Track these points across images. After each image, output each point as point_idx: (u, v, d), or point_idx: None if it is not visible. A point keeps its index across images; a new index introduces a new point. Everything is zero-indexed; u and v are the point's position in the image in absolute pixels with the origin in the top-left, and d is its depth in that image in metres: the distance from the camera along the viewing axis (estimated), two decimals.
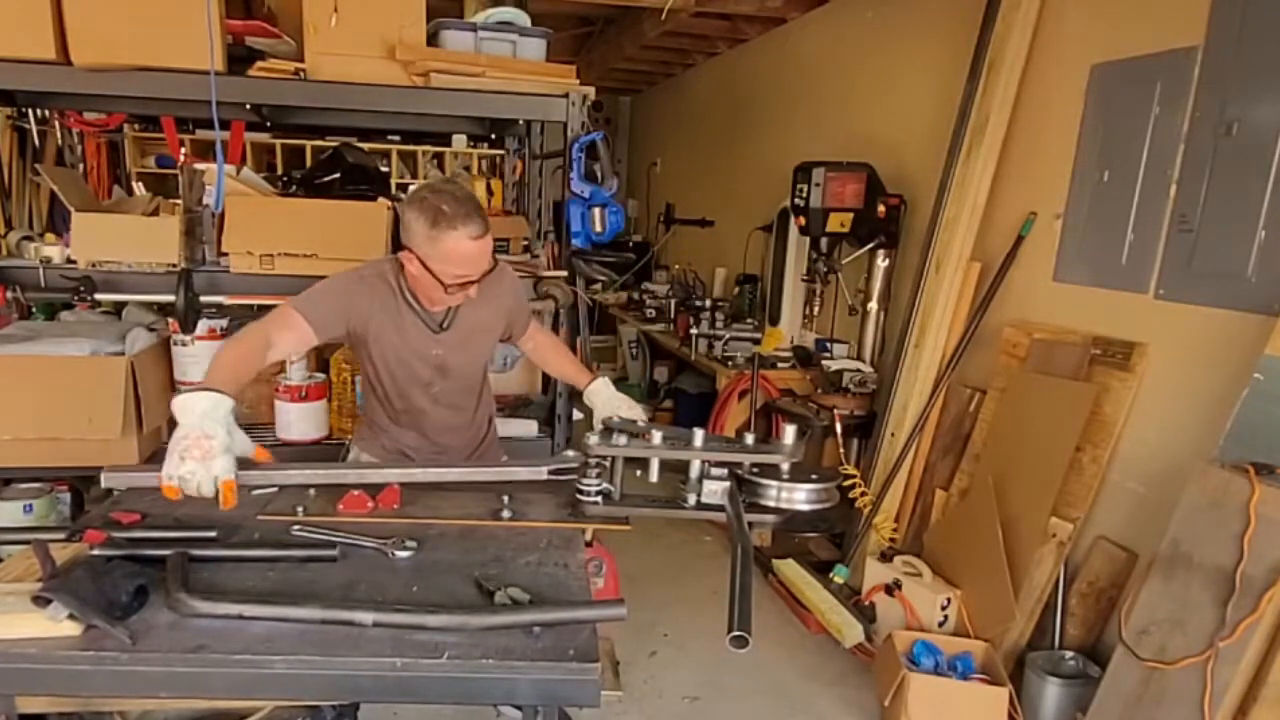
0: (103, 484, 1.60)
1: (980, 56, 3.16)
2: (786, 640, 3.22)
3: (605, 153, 2.75)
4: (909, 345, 3.39)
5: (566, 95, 2.73)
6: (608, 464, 1.71)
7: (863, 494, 3.44)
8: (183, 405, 1.47)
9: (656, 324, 5.74)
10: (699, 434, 1.66)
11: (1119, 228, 2.65)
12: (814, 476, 1.69)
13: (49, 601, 1.20)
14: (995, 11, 3.09)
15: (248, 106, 2.96)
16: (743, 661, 2.94)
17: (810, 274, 4.01)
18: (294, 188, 3.21)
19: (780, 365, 4.28)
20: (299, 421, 2.71)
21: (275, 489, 1.75)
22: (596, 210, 2.76)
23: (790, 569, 3.49)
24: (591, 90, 2.79)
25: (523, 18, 2.87)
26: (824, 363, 3.89)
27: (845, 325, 4.14)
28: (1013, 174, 3.14)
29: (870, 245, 3.67)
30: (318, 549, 1.50)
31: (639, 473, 1.72)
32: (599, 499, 1.68)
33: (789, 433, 1.68)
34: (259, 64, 2.57)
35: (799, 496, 1.66)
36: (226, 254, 2.54)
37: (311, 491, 1.76)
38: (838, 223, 3.63)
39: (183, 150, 5.10)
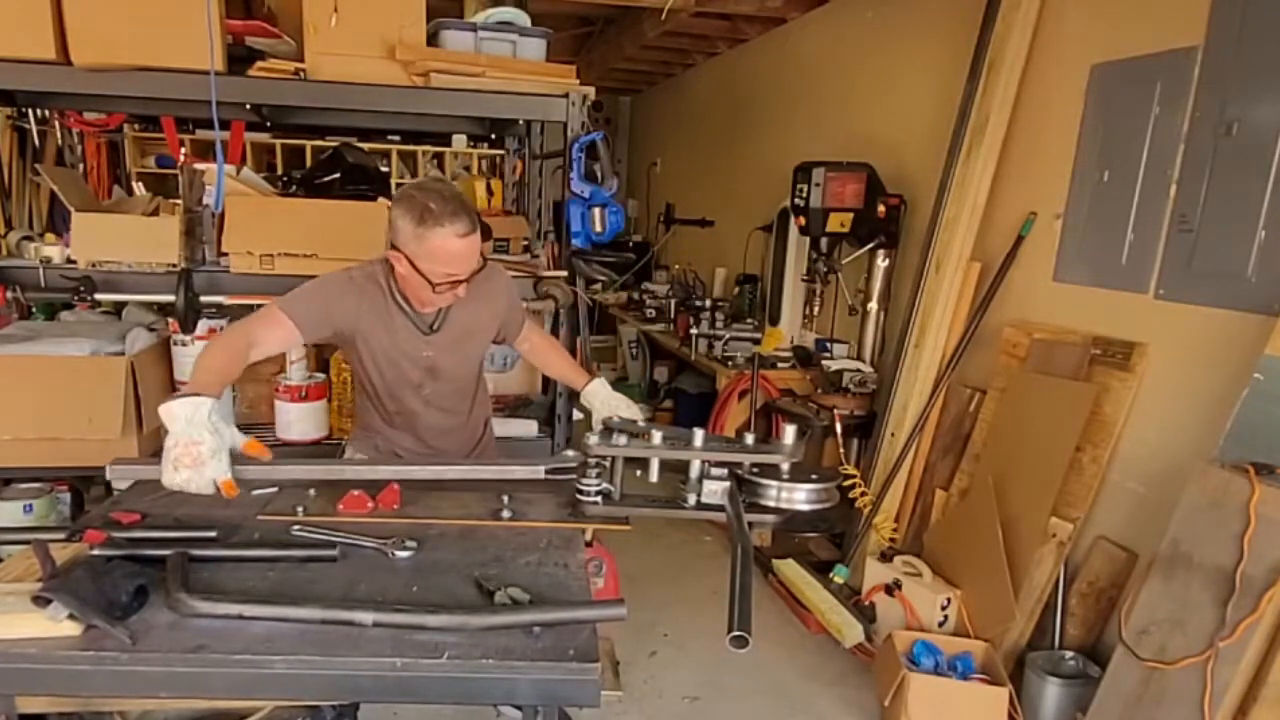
0: (108, 476, 1.62)
1: (980, 56, 3.16)
2: (786, 640, 3.22)
3: (605, 153, 2.75)
4: (909, 345, 3.39)
5: (566, 95, 2.73)
6: (608, 464, 1.71)
7: (863, 494, 3.44)
8: (167, 413, 1.50)
9: (656, 324, 5.74)
10: (699, 434, 1.65)
11: (1119, 228, 2.65)
12: (814, 476, 1.69)
13: (49, 601, 1.20)
14: (995, 11, 3.09)
15: (248, 106, 2.96)
16: (743, 661, 2.94)
17: (810, 274, 4.01)
18: (294, 188, 3.21)
19: (780, 365, 4.28)
20: (299, 421, 2.71)
21: (275, 489, 1.75)
22: (596, 210, 2.76)
23: (790, 569, 3.49)
24: (591, 90, 2.79)
25: (523, 18, 2.87)
26: (824, 363, 3.89)
27: (845, 325, 4.14)
28: (1013, 174, 3.14)
29: (870, 245, 3.67)
30: (318, 549, 1.50)
31: (639, 473, 1.72)
32: (599, 499, 1.68)
33: (789, 433, 1.68)
34: (259, 64, 2.57)
35: (799, 496, 1.66)
36: (226, 254, 2.54)
37: (311, 491, 1.76)
38: (838, 223, 3.63)
39: (183, 150, 5.10)
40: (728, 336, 4.70)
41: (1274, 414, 2.12)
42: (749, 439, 1.70)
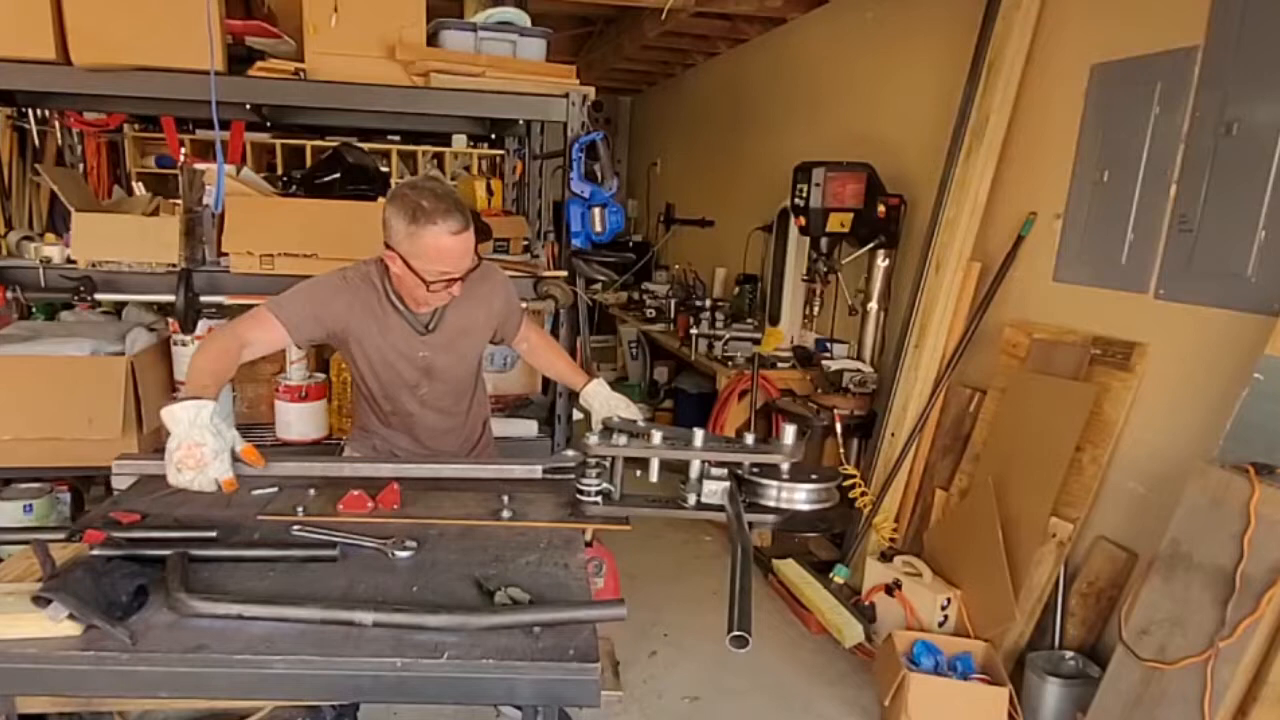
0: (113, 472, 1.63)
1: (980, 56, 3.16)
2: (786, 640, 3.22)
3: (605, 153, 2.75)
4: (909, 345, 3.39)
5: (566, 95, 2.74)
6: (607, 464, 1.71)
7: (863, 494, 3.44)
8: (170, 417, 1.55)
9: (656, 324, 5.74)
10: (699, 434, 1.66)
11: (1119, 228, 2.65)
12: (814, 476, 1.69)
13: (49, 601, 1.19)
14: (995, 11, 3.09)
15: (248, 106, 2.96)
16: (743, 661, 2.94)
17: (810, 274, 4.01)
18: (294, 188, 3.22)
19: (780, 365, 4.28)
20: (299, 421, 2.71)
21: (275, 489, 1.75)
22: (596, 210, 2.76)
23: (790, 569, 3.49)
24: (591, 90, 2.78)
25: (523, 18, 2.87)
26: (824, 363, 3.89)
27: (845, 325, 4.14)
28: (1012, 174, 3.14)
29: (870, 245, 3.67)
30: (318, 549, 1.50)
31: (639, 473, 1.72)
32: (599, 499, 1.68)
33: (789, 433, 1.68)
34: (259, 64, 2.57)
35: (799, 496, 1.66)
36: (226, 254, 2.54)
37: (311, 491, 1.76)
38: (838, 223, 3.63)
39: (183, 150, 5.10)
40: (728, 336, 4.70)
41: (1274, 414, 2.12)
42: (749, 439, 1.70)
